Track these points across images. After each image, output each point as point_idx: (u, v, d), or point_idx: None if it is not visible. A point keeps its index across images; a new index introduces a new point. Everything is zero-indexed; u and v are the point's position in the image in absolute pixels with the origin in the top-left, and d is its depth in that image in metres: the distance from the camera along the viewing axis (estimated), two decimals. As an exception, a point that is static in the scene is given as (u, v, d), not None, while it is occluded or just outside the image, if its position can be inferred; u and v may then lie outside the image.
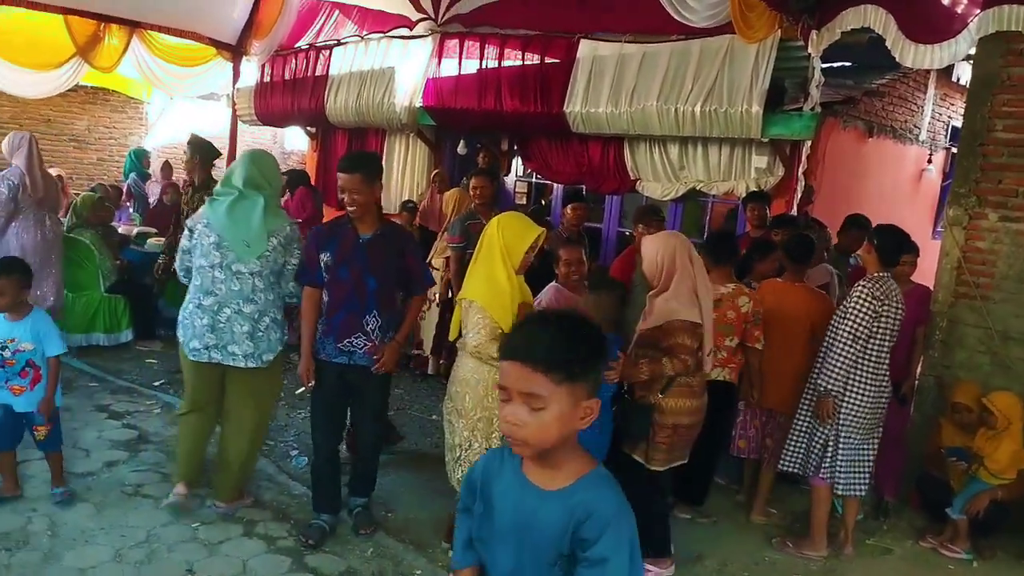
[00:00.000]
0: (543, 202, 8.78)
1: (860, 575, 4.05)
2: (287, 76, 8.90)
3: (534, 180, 8.73)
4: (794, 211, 6.21)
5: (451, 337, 3.74)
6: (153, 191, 10.20)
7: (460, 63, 7.40)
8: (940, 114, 9.58)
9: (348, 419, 4.02)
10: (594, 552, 1.45)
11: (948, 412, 4.49)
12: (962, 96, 8.50)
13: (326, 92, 8.41)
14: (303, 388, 3.81)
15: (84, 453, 4.49)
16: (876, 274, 3.96)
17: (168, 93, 10.49)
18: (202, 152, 5.71)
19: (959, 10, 4.47)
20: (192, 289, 3.77)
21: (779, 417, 4.45)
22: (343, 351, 3.65)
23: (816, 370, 4.06)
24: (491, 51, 7.18)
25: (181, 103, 11.76)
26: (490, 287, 3.41)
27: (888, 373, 4.03)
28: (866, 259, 4.14)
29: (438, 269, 6.20)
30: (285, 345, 3.91)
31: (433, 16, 7.70)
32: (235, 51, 8.76)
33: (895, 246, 4.04)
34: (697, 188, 6.65)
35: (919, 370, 4.93)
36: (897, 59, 4.83)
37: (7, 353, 3.72)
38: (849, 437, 3.97)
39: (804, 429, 4.14)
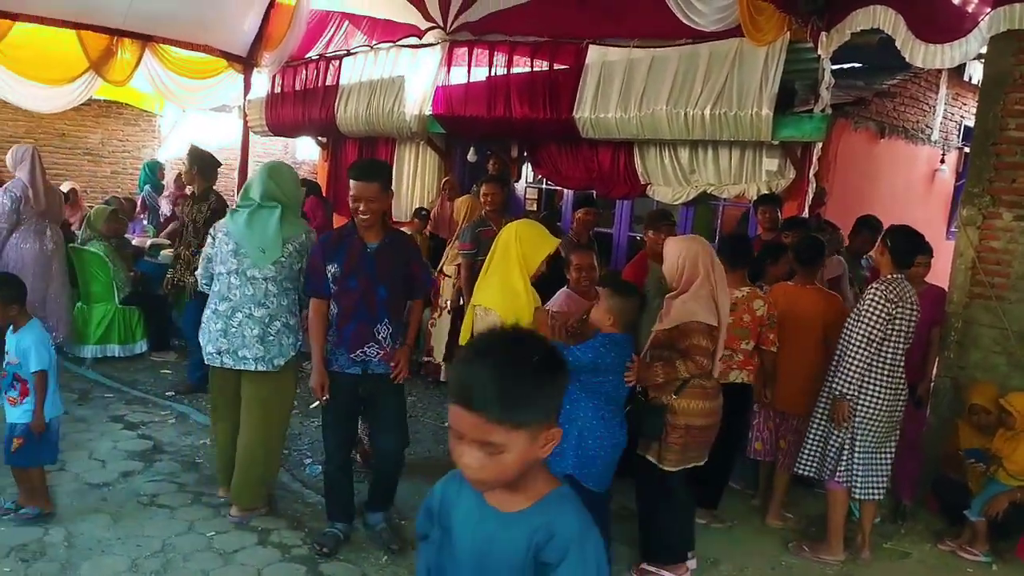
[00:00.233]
0: (553, 207, 8.79)
1: (878, 579, 4.02)
2: (298, 87, 8.95)
3: (544, 186, 8.74)
4: (806, 213, 6.18)
5: (462, 343, 3.74)
6: (166, 203, 10.26)
7: (469, 71, 7.42)
8: (952, 114, 9.52)
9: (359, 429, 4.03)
10: None
11: (965, 413, 4.46)
12: (974, 95, 8.44)
13: (336, 102, 8.45)
14: (317, 403, 3.80)
15: (100, 464, 4.52)
16: (890, 276, 3.94)
17: (180, 106, 10.57)
18: (200, 163, 5.76)
19: (969, 9, 4.44)
20: (211, 295, 3.88)
21: (792, 419, 4.44)
22: (356, 361, 3.65)
23: (831, 373, 4.04)
24: (500, 58, 7.20)
25: (193, 115, 11.82)
26: (507, 295, 3.41)
27: (904, 375, 4.00)
28: (879, 261, 4.12)
29: (450, 276, 6.21)
30: (298, 352, 3.94)
31: (442, 24, 7.74)
32: (246, 63, 8.83)
33: (909, 247, 4.01)
34: (708, 192, 6.63)
35: (935, 372, 4.90)
36: (907, 59, 4.80)
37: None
38: (865, 440, 3.94)
39: (820, 433, 4.11)
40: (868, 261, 5.77)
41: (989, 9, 4.32)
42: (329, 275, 3.60)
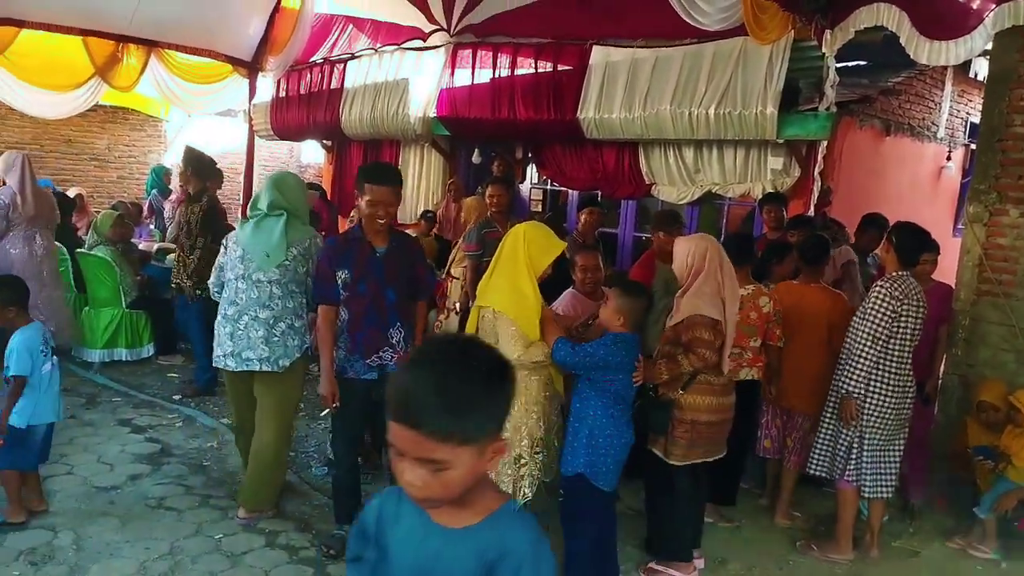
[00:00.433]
0: (558, 208, 8.78)
1: (887, 578, 4.01)
2: (302, 90, 8.98)
3: (549, 187, 8.74)
4: (812, 212, 6.16)
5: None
6: (171, 207, 10.30)
7: (473, 73, 7.43)
8: (958, 111, 9.49)
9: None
10: None
11: (974, 411, 4.43)
12: (980, 92, 8.39)
13: (341, 105, 8.47)
14: (327, 410, 3.79)
15: (108, 467, 4.53)
16: (895, 273, 3.92)
17: (186, 110, 10.62)
18: (194, 164, 5.84)
19: (974, 5, 4.43)
20: (221, 301, 3.98)
21: (798, 417, 4.43)
22: (372, 367, 3.64)
23: (838, 372, 4.02)
24: (504, 60, 7.21)
25: (199, 120, 11.88)
26: (516, 299, 3.40)
27: (911, 374, 3.98)
28: (885, 258, 4.10)
29: (458, 278, 6.21)
30: (304, 354, 3.96)
31: (446, 27, 7.75)
32: (251, 67, 8.85)
33: (914, 244, 3.98)
34: (713, 191, 6.62)
35: (942, 369, 4.88)
36: (912, 57, 4.79)
37: None
38: (873, 439, 3.93)
39: (829, 432, 4.10)
40: (875, 259, 5.75)
41: (994, 5, 4.31)
42: (339, 281, 3.60)
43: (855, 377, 3.88)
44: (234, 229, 4.29)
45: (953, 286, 4.83)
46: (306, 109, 8.92)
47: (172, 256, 7.60)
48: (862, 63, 7.87)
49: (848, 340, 3.97)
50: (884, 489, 4.00)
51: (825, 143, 6.13)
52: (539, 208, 8.91)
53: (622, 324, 3.36)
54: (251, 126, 9.51)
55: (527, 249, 3.44)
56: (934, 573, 4.09)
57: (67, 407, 5.21)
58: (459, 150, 8.55)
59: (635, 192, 7.15)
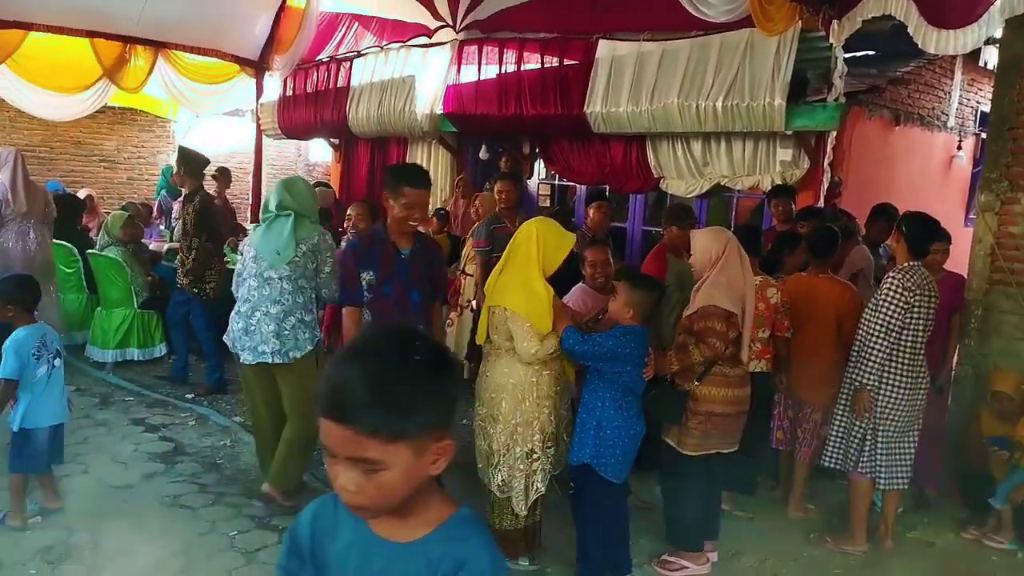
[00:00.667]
0: (566, 203, 8.77)
1: (901, 569, 3.98)
2: (309, 89, 9.00)
3: (557, 182, 8.73)
4: (821, 203, 6.14)
5: (479, 340, 3.73)
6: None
7: (479, 68, 7.43)
8: (968, 100, 9.41)
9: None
10: None
11: (988, 401, 4.41)
12: (990, 81, 8.34)
13: (348, 103, 8.48)
14: None
15: (122, 466, 4.56)
16: (906, 264, 3.89)
17: (194, 111, 10.65)
18: (188, 163, 5.89)
19: (982, -8, 4.39)
20: (237, 300, 4.11)
21: (808, 408, 4.41)
22: None
23: (851, 364, 4.00)
24: (510, 55, 7.21)
25: (207, 120, 11.91)
26: (528, 296, 3.40)
27: (925, 364, 3.96)
28: (895, 249, 4.07)
29: (472, 275, 6.20)
30: (316, 347, 4.04)
31: (451, 23, 7.75)
32: (258, 67, 8.88)
33: (924, 234, 3.95)
34: (722, 184, 6.60)
35: (955, 360, 4.85)
36: (920, 46, 4.74)
37: None
38: (887, 430, 3.91)
39: (842, 424, 4.08)
40: (886, 250, 5.72)
41: (1002, -8, 4.26)
42: (364, 283, 3.61)
43: (868, 369, 3.86)
44: (239, 226, 4.35)
45: (965, 276, 4.80)
46: (313, 108, 8.93)
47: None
48: (870, 53, 7.80)
49: (860, 332, 3.95)
50: (899, 480, 3.98)
51: (834, 134, 6.11)
52: (547, 203, 8.90)
53: (632, 317, 3.37)
54: (259, 125, 9.55)
55: (541, 248, 3.43)
56: (949, 564, 4.07)
57: (81, 407, 5.28)
58: (466, 146, 8.55)
59: (643, 186, 7.14)
